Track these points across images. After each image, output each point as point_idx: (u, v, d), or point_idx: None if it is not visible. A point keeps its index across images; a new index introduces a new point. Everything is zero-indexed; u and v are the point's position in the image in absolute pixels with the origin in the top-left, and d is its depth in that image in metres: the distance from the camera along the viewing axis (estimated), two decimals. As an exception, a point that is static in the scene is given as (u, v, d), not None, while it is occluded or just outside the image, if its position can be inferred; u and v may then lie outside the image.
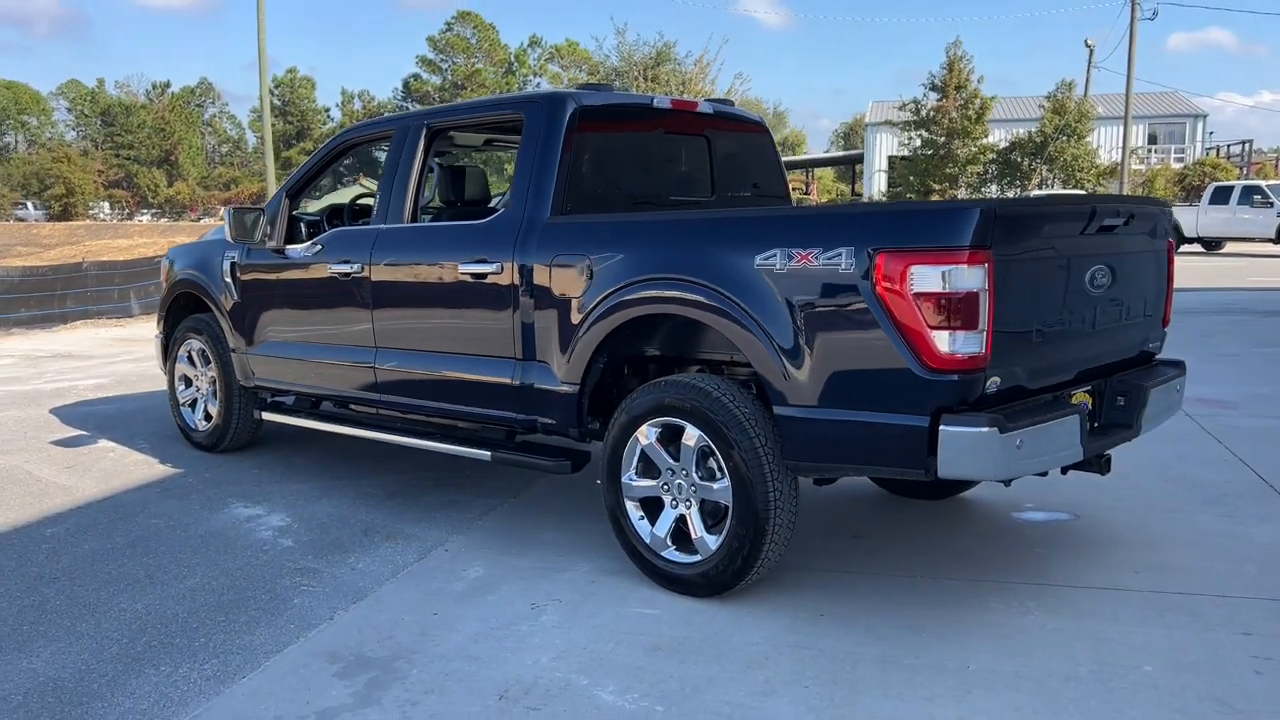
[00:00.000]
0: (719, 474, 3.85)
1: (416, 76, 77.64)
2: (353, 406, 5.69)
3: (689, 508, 3.99)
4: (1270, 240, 26.95)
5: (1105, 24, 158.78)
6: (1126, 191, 39.93)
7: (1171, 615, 3.75)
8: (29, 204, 65.86)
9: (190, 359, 6.53)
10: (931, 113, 43.04)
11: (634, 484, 4.14)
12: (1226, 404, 7.41)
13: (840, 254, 3.48)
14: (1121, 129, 40.01)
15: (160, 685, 3.39)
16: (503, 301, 4.54)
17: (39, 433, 7.18)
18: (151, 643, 3.72)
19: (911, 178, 43.93)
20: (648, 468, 4.12)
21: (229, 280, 6.04)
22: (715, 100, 5.53)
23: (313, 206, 7.11)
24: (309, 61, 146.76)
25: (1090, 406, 3.96)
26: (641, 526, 4.14)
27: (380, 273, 5.10)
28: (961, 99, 42.68)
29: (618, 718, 3.11)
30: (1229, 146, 47.65)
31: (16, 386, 9.30)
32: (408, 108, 63.48)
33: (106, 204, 67.44)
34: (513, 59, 79.31)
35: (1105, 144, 46.12)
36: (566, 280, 4.32)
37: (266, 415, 6.07)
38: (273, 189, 26.67)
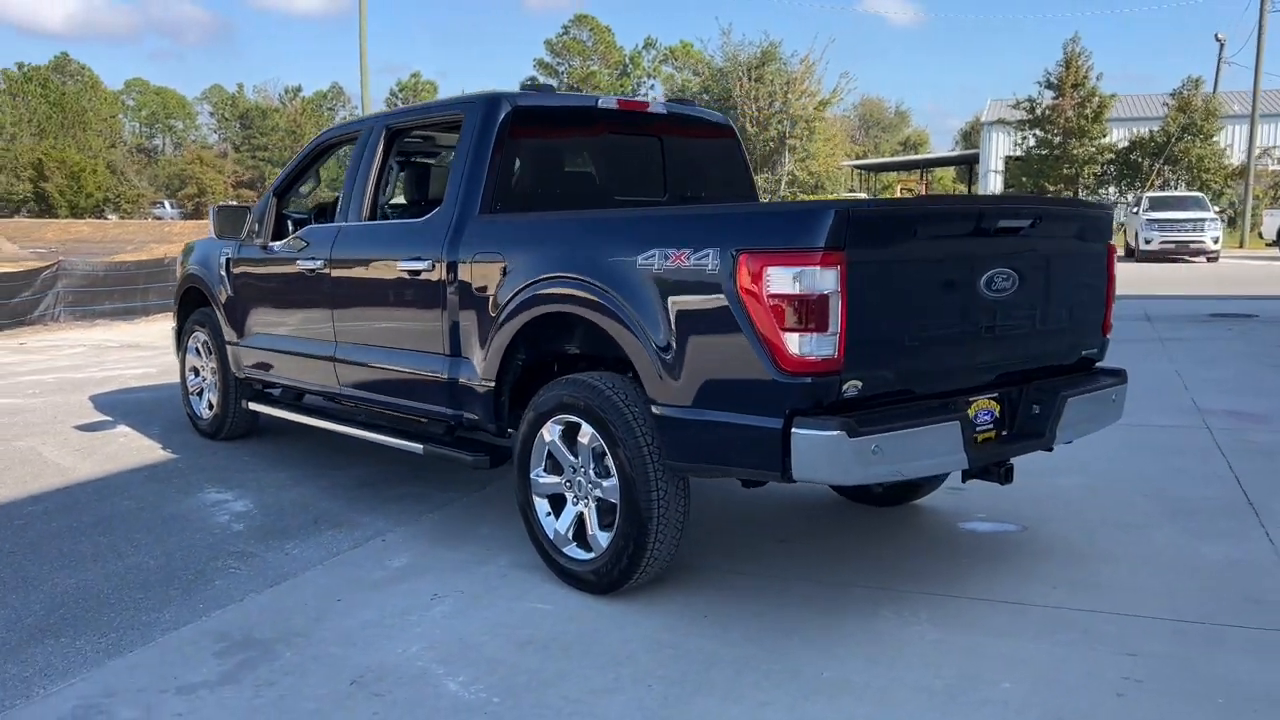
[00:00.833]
0: (611, 472, 3.87)
1: (533, 79, 78.97)
2: (309, 398, 5.89)
3: (588, 505, 4.02)
4: None
5: (1237, 18, 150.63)
6: (1254, 194, 37.90)
7: (1063, 632, 3.60)
8: (166, 203, 69.42)
9: (198, 350, 6.85)
10: (1046, 111, 41.57)
11: (541, 480, 4.18)
12: (1257, 418, 7.03)
13: (708, 255, 3.46)
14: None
15: (52, 655, 3.59)
16: (434, 298, 4.64)
17: (67, 417, 7.61)
18: (65, 616, 3.93)
19: (1024, 178, 42.51)
20: (554, 465, 4.16)
21: (223, 275, 6.31)
22: (675, 100, 5.52)
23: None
24: (435, 65, 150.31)
25: (996, 414, 3.83)
26: (548, 522, 4.18)
27: (338, 269, 5.26)
28: (1079, 97, 41.08)
29: (454, 707, 3.17)
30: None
31: (71, 374, 9.87)
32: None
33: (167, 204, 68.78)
34: (627, 61, 79.93)
35: (1237, 144, 43.73)
36: (485, 278, 4.39)
37: (252, 405, 6.33)
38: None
